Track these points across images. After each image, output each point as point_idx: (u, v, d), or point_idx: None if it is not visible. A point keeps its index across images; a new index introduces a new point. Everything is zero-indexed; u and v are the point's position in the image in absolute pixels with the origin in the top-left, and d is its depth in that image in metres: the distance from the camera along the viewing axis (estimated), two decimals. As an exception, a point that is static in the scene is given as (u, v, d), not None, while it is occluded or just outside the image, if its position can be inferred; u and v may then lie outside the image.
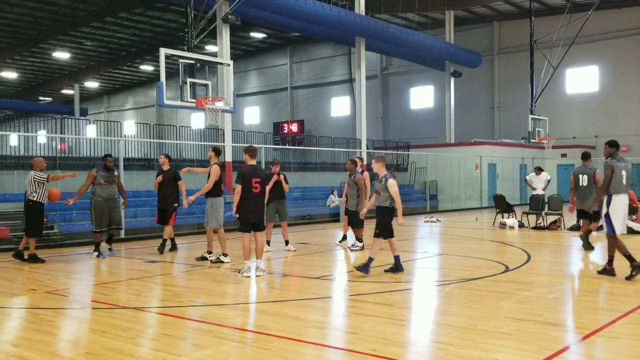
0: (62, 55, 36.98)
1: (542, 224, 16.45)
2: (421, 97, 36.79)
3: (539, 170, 17.33)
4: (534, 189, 16.95)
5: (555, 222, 16.14)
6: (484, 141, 29.97)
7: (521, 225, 16.90)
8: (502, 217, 17.68)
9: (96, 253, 11.52)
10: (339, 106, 39.05)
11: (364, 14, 25.24)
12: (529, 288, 7.91)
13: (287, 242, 12.34)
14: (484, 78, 34.28)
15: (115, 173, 11.79)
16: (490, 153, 28.99)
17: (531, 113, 27.39)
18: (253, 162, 9.04)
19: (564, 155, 30.61)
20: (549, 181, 17.17)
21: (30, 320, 6.64)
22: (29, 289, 8.52)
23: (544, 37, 27.69)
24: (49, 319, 6.55)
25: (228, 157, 20.59)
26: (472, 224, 19.46)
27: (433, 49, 29.06)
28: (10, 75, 41.15)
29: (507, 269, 9.43)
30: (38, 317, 6.70)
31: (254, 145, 10.72)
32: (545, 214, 16.53)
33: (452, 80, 32.45)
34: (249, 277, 8.78)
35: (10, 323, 6.72)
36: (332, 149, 27.27)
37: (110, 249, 11.96)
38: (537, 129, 26.89)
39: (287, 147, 29.25)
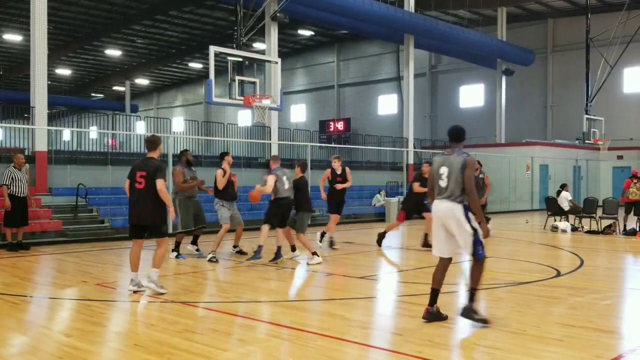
0: (114, 52, 37.84)
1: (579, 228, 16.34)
2: (471, 95, 36.15)
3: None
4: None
5: (609, 226, 15.61)
6: (536, 141, 29.22)
7: (574, 229, 16.41)
8: (554, 220, 17.21)
9: (175, 253, 10.65)
10: (386, 104, 38.75)
11: (413, 11, 24.99)
12: (581, 294, 7.65)
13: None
14: (537, 76, 33.43)
15: (193, 169, 11.03)
16: (542, 154, 28.27)
17: (586, 113, 26.56)
18: (151, 154, 7.66)
19: (620, 157, 29.58)
20: (570, 200, 16.91)
21: (82, 312, 6.80)
22: (80, 280, 8.73)
23: (600, 35, 26.79)
24: (99, 310, 6.69)
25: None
26: (522, 226, 19.02)
27: (484, 46, 28.54)
28: (65, 72, 42.23)
29: (558, 274, 9.15)
30: (89, 308, 6.85)
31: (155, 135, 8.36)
32: (600, 217, 16.02)
33: (504, 78, 31.82)
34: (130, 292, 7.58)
35: (62, 313, 6.91)
36: (379, 147, 27.08)
37: (197, 250, 11.04)
38: (592, 129, 26.05)
39: (332, 145, 29.21)
